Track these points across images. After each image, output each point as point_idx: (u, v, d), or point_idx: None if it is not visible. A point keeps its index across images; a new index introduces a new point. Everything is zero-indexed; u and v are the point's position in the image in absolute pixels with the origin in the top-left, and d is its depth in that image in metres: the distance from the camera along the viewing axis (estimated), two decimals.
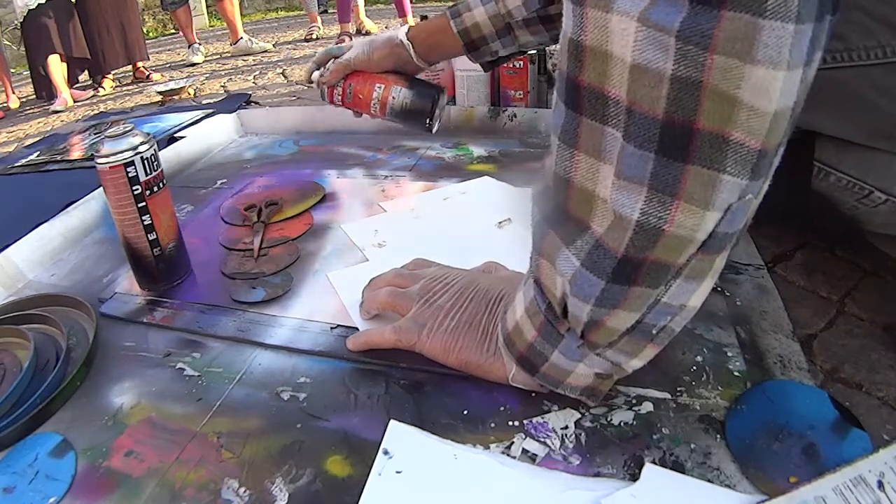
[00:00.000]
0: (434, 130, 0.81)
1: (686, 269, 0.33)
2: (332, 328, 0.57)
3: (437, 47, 0.78)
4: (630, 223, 0.31)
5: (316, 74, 0.83)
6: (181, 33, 3.17)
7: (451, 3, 0.78)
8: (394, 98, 0.79)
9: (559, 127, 0.34)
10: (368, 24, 3.05)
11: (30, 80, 2.76)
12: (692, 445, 0.41)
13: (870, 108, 0.46)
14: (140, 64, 2.74)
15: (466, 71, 1.15)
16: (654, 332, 0.37)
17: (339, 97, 0.82)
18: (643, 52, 0.27)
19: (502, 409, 0.46)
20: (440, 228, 0.73)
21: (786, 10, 0.24)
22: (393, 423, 0.45)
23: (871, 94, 0.46)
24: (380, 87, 0.79)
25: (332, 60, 0.81)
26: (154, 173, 0.63)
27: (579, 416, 0.44)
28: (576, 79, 0.32)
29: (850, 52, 0.45)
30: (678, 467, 0.40)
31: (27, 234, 0.77)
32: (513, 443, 0.43)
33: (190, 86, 2.02)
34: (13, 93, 2.68)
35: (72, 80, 2.59)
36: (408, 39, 0.77)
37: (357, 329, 0.56)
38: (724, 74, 0.26)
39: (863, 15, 0.44)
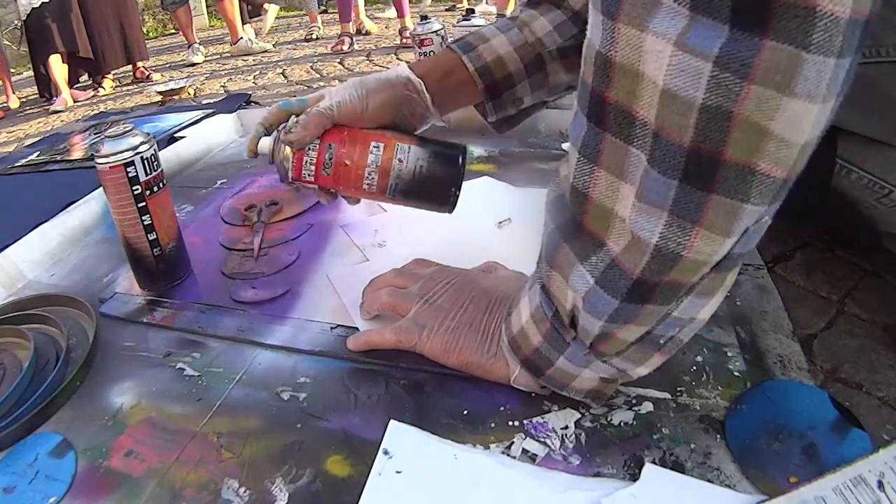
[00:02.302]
0: (455, 208, 0.57)
1: (698, 286, 0.34)
2: (332, 328, 0.57)
3: (453, 93, 0.57)
4: (648, 247, 0.31)
5: (265, 142, 0.56)
6: (181, 33, 3.17)
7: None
8: (401, 162, 0.53)
9: (579, 140, 0.34)
10: (368, 24, 3.05)
11: (30, 79, 2.76)
12: (692, 445, 0.41)
13: (894, 105, 0.46)
14: (140, 64, 2.74)
15: None
16: (662, 342, 0.37)
17: (311, 169, 0.54)
18: (675, 77, 0.27)
19: (502, 409, 0.46)
20: (440, 228, 0.73)
21: (830, 45, 0.24)
22: (393, 423, 0.45)
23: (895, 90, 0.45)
24: (377, 148, 0.53)
25: (293, 118, 0.55)
26: (154, 173, 0.63)
27: (579, 416, 0.44)
28: (602, 94, 0.31)
29: (879, 49, 0.44)
30: (678, 467, 0.40)
31: (27, 234, 0.77)
32: (513, 443, 0.43)
33: (190, 86, 2.02)
34: (13, 93, 2.69)
35: (72, 80, 2.59)
36: (418, 79, 0.55)
37: (357, 329, 0.56)
38: (759, 105, 0.25)
39: (892, 12, 0.43)
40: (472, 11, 1.18)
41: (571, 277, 0.36)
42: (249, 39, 2.89)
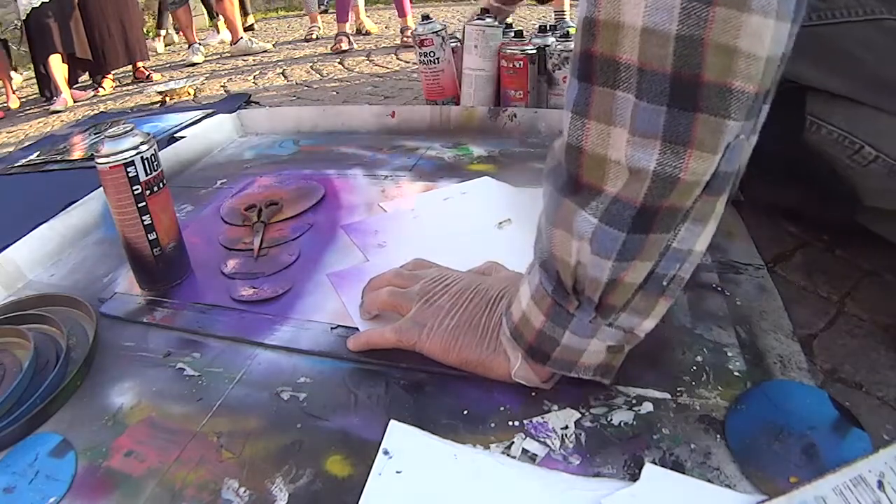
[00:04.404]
0: None
1: (693, 211, 0.35)
2: (332, 328, 0.57)
3: None
4: (647, 174, 0.33)
5: None
6: (181, 33, 3.17)
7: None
8: None
9: (571, 101, 0.36)
10: (368, 24, 3.05)
11: (29, 79, 2.76)
12: (692, 445, 0.41)
13: (854, 63, 0.50)
14: (140, 64, 2.74)
15: (475, 70, 1.15)
16: (664, 283, 0.38)
17: None
18: (652, 16, 0.30)
19: (502, 409, 0.46)
20: (440, 228, 0.73)
21: None
22: (393, 423, 0.45)
23: (854, 48, 0.49)
24: None
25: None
26: (154, 173, 0.63)
27: (579, 416, 0.44)
28: (588, 50, 0.34)
29: (834, 11, 0.49)
30: (678, 467, 0.40)
31: (27, 234, 0.77)
32: (513, 443, 0.43)
33: (190, 86, 2.02)
34: (13, 93, 2.68)
35: (72, 80, 2.59)
36: None
37: (357, 329, 0.56)
38: (724, 26, 0.29)
39: None
40: (487, 11, 1.18)
41: (575, 224, 0.37)
42: (249, 39, 2.90)
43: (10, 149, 1.66)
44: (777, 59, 0.31)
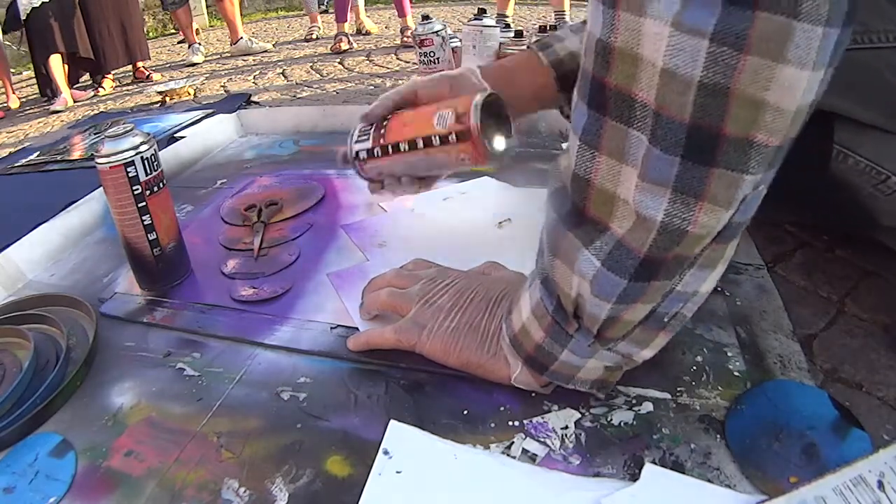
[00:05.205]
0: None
1: (701, 258, 0.34)
2: (332, 328, 0.57)
3: (513, 82, 0.62)
4: (654, 224, 0.32)
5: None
6: (181, 33, 3.17)
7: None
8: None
9: (580, 127, 0.34)
10: (368, 24, 3.05)
11: (30, 79, 2.76)
12: (692, 445, 0.41)
13: (887, 91, 0.47)
14: (140, 64, 2.74)
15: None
16: (665, 319, 0.38)
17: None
18: (674, 57, 0.28)
19: (502, 409, 0.46)
20: (440, 228, 0.73)
21: (818, 13, 0.25)
22: (393, 423, 0.45)
23: (888, 76, 0.46)
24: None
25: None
26: (154, 173, 0.63)
27: (579, 416, 0.44)
28: (602, 80, 0.32)
29: (870, 35, 0.46)
30: (678, 467, 0.40)
31: (27, 234, 0.77)
32: (513, 443, 0.43)
33: (190, 86, 2.02)
34: (13, 93, 2.68)
35: (72, 80, 2.59)
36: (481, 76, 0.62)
37: (357, 329, 0.56)
38: (755, 76, 0.26)
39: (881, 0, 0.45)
40: (484, 11, 1.18)
41: (577, 263, 0.37)
42: (249, 39, 2.89)
43: (11, 149, 1.66)
44: (807, 108, 0.29)
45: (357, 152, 0.62)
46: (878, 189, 0.51)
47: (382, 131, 0.59)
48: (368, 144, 0.60)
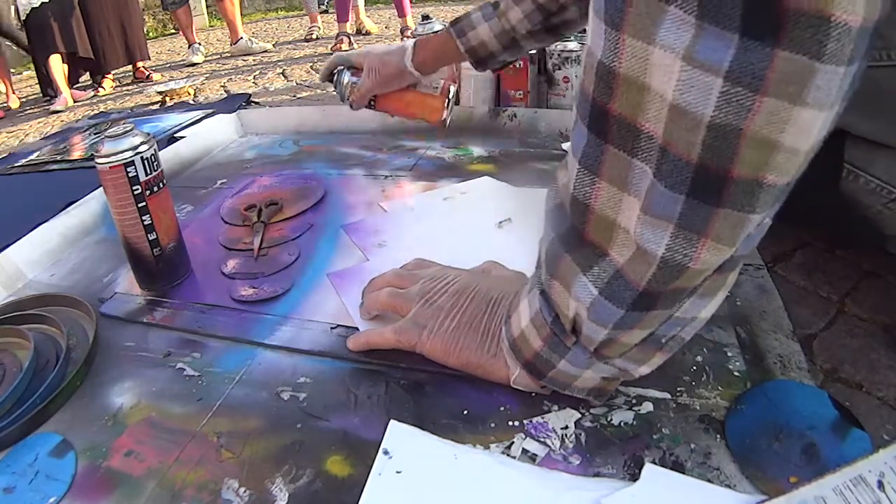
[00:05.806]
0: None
1: (701, 288, 0.34)
2: (332, 328, 0.57)
3: (441, 59, 0.83)
4: (655, 259, 0.31)
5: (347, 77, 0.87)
6: (181, 33, 3.17)
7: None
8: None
9: (580, 150, 0.33)
10: (368, 24, 3.05)
11: (29, 80, 2.76)
12: (692, 445, 0.41)
13: None
14: (140, 64, 2.74)
15: (475, 72, 1.15)
16: (664, 341, 0.38)
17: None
18: (685, 93, 0.26)
19: (502, 409, 0.46)
20: (440, 228, 0.73)
21: (842, 54, 0.24)
22: (393, 423, 0.45)
23: None
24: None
25: (350, 83, 0.86)
26: (154, 173, 0.63)
27: (579, 416, 0.44)
28: (604, 105, 0.30)
29: (890, 52, 0.44)
30: (678, 467, 0.40)
31: (27, 234, 0.77)
32: (513, 443, 0.43)
33: (190, 86, 2.02)
34: (13, 93, 2.68)
35: (72, 80, 2.59)
36: (415, 69, 0.82)
37: (357, 329, 0.56)
38: (770, 119, 0.25)
39: None
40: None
41: (574, 288, 0.36)
42: (249, 39, 2.89)
43: (11, 149, 1.66)
44: (819, 143, 0.27)
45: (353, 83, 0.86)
46: (887, 207, 0.50)
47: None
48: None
